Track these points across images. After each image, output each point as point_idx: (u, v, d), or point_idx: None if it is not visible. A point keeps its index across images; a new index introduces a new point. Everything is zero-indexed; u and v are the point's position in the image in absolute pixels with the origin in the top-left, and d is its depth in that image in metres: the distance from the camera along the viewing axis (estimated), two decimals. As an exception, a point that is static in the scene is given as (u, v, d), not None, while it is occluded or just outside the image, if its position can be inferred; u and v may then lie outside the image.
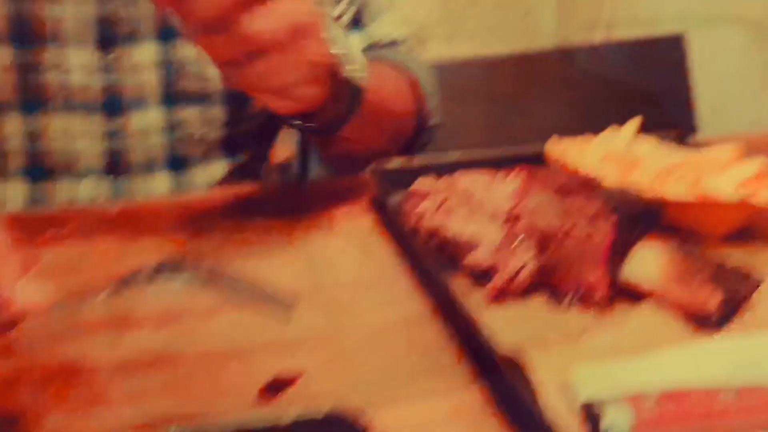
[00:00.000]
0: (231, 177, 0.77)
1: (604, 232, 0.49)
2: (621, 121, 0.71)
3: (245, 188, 0.70)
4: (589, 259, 0.50)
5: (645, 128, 0.69)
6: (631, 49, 1.24)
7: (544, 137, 0.67)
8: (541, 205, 0.52)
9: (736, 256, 0.52)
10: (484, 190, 0.55)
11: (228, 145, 0.76)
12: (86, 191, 0.71)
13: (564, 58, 1.21)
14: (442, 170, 0.60)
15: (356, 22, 0.77)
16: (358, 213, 0.63)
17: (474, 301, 0.50)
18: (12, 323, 0.38)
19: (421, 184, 0.58)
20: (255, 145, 0.80)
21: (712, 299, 0.47)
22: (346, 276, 0.56)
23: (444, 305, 0.50)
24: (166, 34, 0.70)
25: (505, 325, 0.46)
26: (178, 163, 0.74)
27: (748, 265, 0.50)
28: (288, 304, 0.50)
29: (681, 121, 1.13)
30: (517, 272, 0.50)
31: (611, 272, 0.50)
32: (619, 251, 0.50)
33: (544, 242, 0.51)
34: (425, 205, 0.56)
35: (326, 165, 0.80)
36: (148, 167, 0.73)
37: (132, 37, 0.70)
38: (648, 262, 0.50)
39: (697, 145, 0.70)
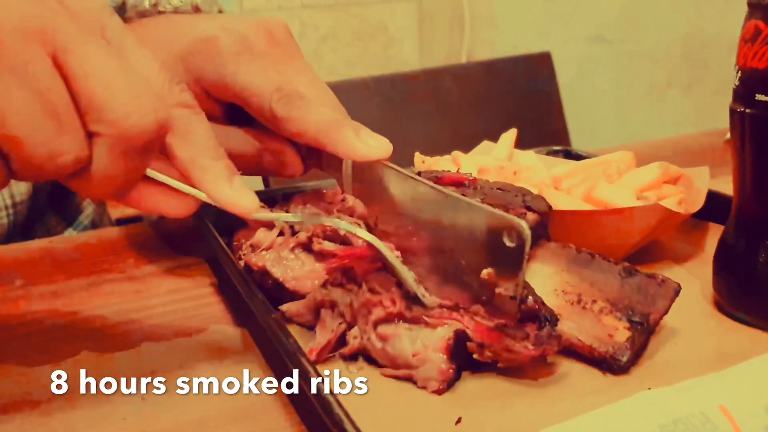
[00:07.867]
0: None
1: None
2: (492, 138, 0.63)
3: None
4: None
5: (520, 145, 0.61)
6: (498, 67, 1.18)
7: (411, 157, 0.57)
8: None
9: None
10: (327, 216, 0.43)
11: None
12: None
13: (431, 78, 1.13)
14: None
15: None
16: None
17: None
18: None
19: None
20: None
21: (617, 334, 0.36)
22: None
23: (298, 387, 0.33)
24: None
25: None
26: None
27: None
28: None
29: (553, 138, 1.06)
30: (336, 337, 0.37)
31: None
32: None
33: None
34: (260, 237, 0.43)
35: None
36: None
37: None
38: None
39: (580, 158, 0.62)
